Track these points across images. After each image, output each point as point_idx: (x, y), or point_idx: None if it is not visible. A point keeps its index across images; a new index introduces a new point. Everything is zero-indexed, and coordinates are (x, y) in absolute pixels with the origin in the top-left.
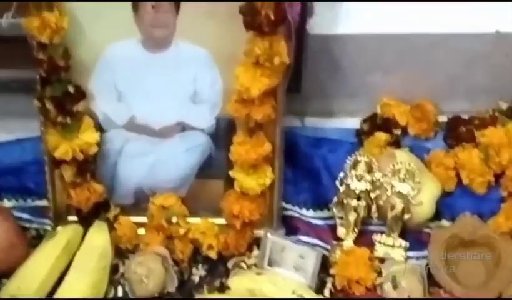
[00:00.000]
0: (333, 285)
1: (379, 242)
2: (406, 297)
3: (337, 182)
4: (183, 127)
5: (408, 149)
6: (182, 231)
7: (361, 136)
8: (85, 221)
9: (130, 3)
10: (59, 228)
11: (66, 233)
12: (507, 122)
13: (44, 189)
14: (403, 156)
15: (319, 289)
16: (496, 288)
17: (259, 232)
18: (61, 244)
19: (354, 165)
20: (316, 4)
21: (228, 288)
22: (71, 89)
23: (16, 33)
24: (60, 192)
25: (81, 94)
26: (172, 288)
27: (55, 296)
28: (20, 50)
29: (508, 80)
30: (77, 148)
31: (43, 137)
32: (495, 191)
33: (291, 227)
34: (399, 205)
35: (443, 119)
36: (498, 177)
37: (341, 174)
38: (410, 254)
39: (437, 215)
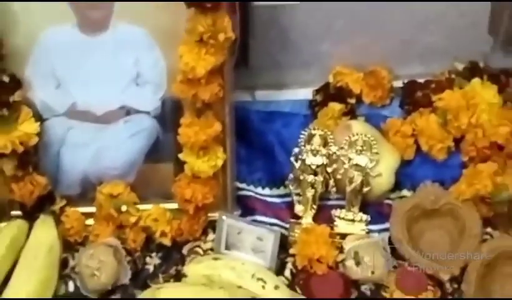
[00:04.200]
0: (294, 265)
1: (339, 217)
2: (369, 273)
3: (292, 158)
4: (127, 111)
5: (363, 119)
6: (132, 219)
7: (314, 108)
8: (30, 216)
9: None
10: (2, 224)
11: (10, 230)
12: (465, 83)
13: None
14: (358, 127)
15: (279, 271)
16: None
17: (214, 215)
18: (5, 242)
19: (309, 139)
20: None
21: (184, 276)
22: (6, 79)
23: None
24: (1, 187)
25: (17, 84)
26: (125, 279)
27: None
28: None
29: (463, 41)
30: (16, 140)
31: None
32: (455, 157)
33: (247, 208)
34: (357, 178)
35: (398, 84)
36: (458, 141)
37: (296, 149)
38: (371, 227)
39: (397, 186)
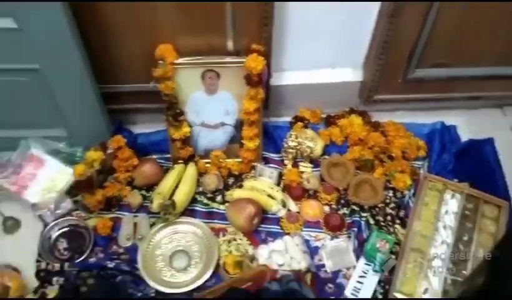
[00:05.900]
0: (284, 183)
1: (302, 166)
2: (312, 185)
3: (283, 143)
4: (222, 124)
5: (311, 128)
6: (223, 164)
7: (292, 124)
8: (185, 163)
9: (200, 76)
10: (175, 166)
11: (177, 168)
12: (348, 116)
13: (169, 149)
14: (309, 132)
15: (278, 184)
16: (346, 181)
17: (255, 164)
18: (176, 172)
19: (290, 136)
20: (272, 72)
21: (242, 186)
22: (178, 110)
23: (156, 90)
24: (176, 151)
25: (181, 112)
26: (221, 186)
27: (176, 193)
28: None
29: (348, 99)
30: (182, 134)
31: (168, 130)
32: (345, 144)
33: (266, 161)
34: (308, 151)
35: (324, 116)
36: (346, 138)
37: (285, 139)
38: (314, 170)
39: (323, 154)
